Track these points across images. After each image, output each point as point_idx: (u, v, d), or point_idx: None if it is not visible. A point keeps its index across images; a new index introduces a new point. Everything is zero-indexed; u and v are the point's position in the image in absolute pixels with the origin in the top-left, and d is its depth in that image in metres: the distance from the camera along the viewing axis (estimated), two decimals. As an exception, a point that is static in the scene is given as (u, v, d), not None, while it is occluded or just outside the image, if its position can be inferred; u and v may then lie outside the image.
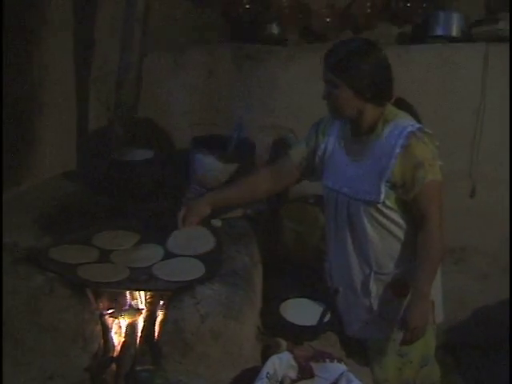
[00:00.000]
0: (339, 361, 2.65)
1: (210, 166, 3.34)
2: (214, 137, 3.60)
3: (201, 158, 3.39)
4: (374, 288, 2.80)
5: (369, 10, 4.39)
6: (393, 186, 2.64)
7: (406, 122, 2.65)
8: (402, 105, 2.78)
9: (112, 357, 2.64)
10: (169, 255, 2.91)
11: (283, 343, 2.75)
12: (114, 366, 2.60)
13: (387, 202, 2.68)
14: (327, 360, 2.64)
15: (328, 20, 4.39)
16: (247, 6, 4.32)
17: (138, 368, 2.56)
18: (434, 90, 4.00)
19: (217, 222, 3.24)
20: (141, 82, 3.71)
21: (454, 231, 4.13)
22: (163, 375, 2.54)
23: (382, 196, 2.65)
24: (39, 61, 3.58)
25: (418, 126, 2.64)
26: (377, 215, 2.71)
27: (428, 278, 2.67)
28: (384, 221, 2.72)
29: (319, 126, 2.93)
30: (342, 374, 2.57)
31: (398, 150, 2.60)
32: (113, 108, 3.77)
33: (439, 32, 4.19)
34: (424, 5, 4.35)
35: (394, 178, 2.62)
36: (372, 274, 2.80)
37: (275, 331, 2.85)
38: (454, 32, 4.16)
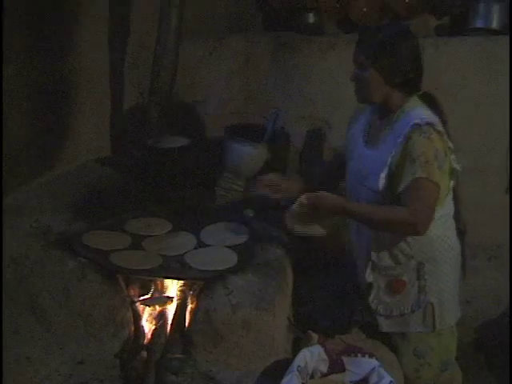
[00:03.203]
0: (371, 356, 2.62)
1: (245, 155, 3.32)
2: (249, 126, 3.58)
3: (235, 146, 3.37)
4: (371, 278, 2.74)
5: (407, 1, 4.35)
6: (391, 176, 2.57)
7: (420, 114, 2.57)
8: (428, 99, 2.69)
9: (142, 344, 2.64)
10: (201, 245, 2.91)
11: (314, 336, 2.72)
12: (144, 353, 2.59)
13: (386, 193, 2.60)
14: (359, 354, 2.61)
15: (365, 10, 4.37)
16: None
17: (169, 356, 2.55)
18: (473, 84, 3.93)
19: (249, 213, 3.22)
20: (176, 69, 3.69)
21: (488, 227, 4.10)
22: (193, 364, 2.54)
23: (381, 185, 2.58)
24: (75, 46, 3.59)
25: (428, 120, 2.53)
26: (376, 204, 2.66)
27: (360, 209, 2.60)
28: None
29: (356, 110, 2.90)
30: (373, 369, 2.54)
31: (399, 140, 2.53)
32: (147, 94, 3.77)
33: (479, 24, 4.12)
34: (464, -5, 4.29)
35: (394, 167, 2.55)
36: (370, 263, 2.74)
37: (307, 324, 2.83)
38: (495, 24, 4.09)
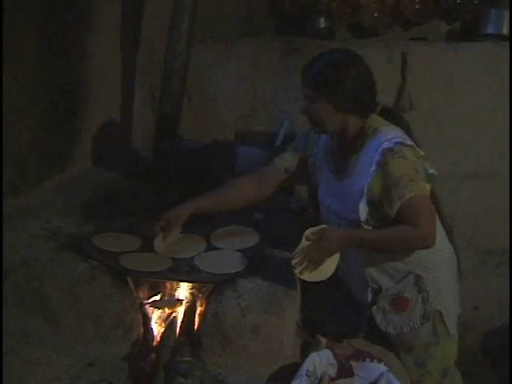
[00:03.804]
0: (379, 361, 2.61)
1: (256, 158, 3.32)
2: (259, 130, 3.58)
3: (247, 150, 3.37)
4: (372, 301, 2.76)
5: (418, 6, 4.37)
6: (374, 204, 2.55)
7: (386, 135, 2.53)
8: (389, 114, 2.68)
9: (151, 346, 2.64)
10: (211, 248, 2.91)
11: (323, 340, 2.72)
12: (153, 355, 2.60)
13: (371, 221, 2.58)
14: (367, 359, 2.60)
15: (377, 15, 4.38)
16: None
17: (177, 359, 2.55)
18: (483, 89, 3.93)
19: (259, 215, 3.22)
20: (187, 72, 3.70)
21: (494, 233, 4.10)
22: (202, 367, 2.53)
23: (364, 215, 2.55)
24: (86, 49, 3.60)
25: (395, 140, 2.50)
26: None
27: (369, 236, 2.58)
28: None
29: (309, 135, 2.86)
30: (381, 374, 2.53)
31: (373, 168, 2.50)
32: (158, 97, 3.78)
33: (489, 30, 4.13)
34: (475, 1, 4.30)
35: (374, 196, 2.53)
36: (369, 289, 2.75)
37: (315, 328, 2.82)
38: (505, 30, 4.10)
